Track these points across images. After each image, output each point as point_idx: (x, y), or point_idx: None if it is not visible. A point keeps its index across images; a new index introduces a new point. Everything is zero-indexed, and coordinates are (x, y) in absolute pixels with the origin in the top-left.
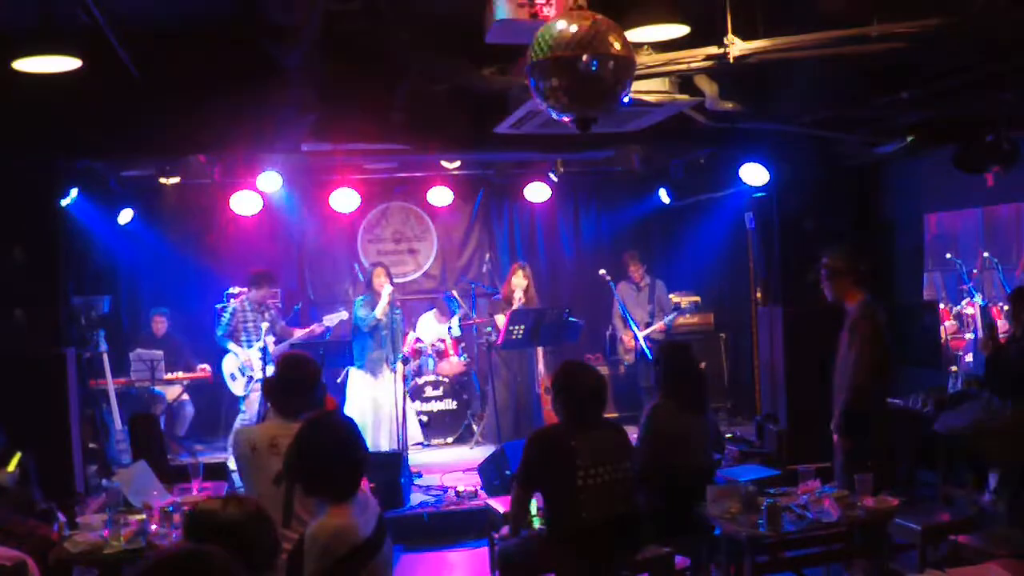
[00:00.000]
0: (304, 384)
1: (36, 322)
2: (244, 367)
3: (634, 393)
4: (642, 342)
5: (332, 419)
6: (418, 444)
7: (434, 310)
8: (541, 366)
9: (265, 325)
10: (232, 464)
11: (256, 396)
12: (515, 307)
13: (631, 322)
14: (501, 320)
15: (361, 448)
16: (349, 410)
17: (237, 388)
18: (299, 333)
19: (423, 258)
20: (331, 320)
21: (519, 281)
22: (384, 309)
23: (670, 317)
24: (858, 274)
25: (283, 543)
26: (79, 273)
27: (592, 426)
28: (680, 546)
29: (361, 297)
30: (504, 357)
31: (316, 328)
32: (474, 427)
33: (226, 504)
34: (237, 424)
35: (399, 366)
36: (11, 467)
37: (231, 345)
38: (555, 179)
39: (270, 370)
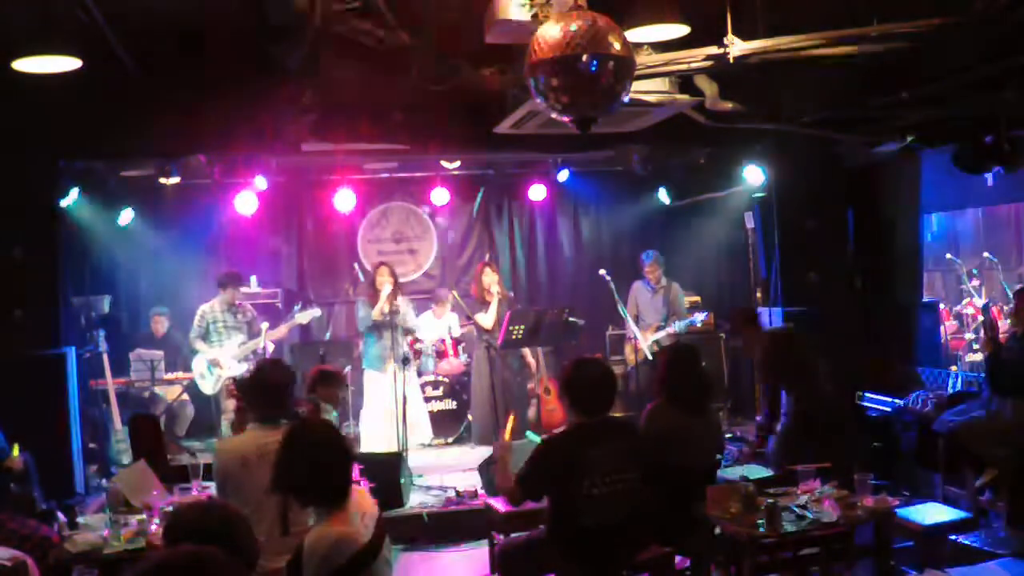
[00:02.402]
0: (284, 390)
1: (36, 322)
2: (211, 366)
3: (637, 394)
4: (643, 344)
5: (311, 427)
6: (423, 443)
7: (431, 309)
8: (530, 360)
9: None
10: None
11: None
12: (493, 304)
13: (631, 323)
14: (482, 319)
15: (345, 450)
16: (365, 409)
17: (206, 387)
18: (277, 331)
19: (423, 258)
20: (303, 318)
21: (490, 278)
22: (382, 309)
23: (684, 324)
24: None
25: (282, 550)
26: (79, 273)
27: (603, 431)
28: (680, 546)
29: (363, 297)
30: (492, 356)
31: (291, 325)
32: (474, 427)
33: (204, 509)
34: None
35: (413, 367)
36: (15, 452)
37: (199, 345)
38: (557, 180)
39: (242, 368)
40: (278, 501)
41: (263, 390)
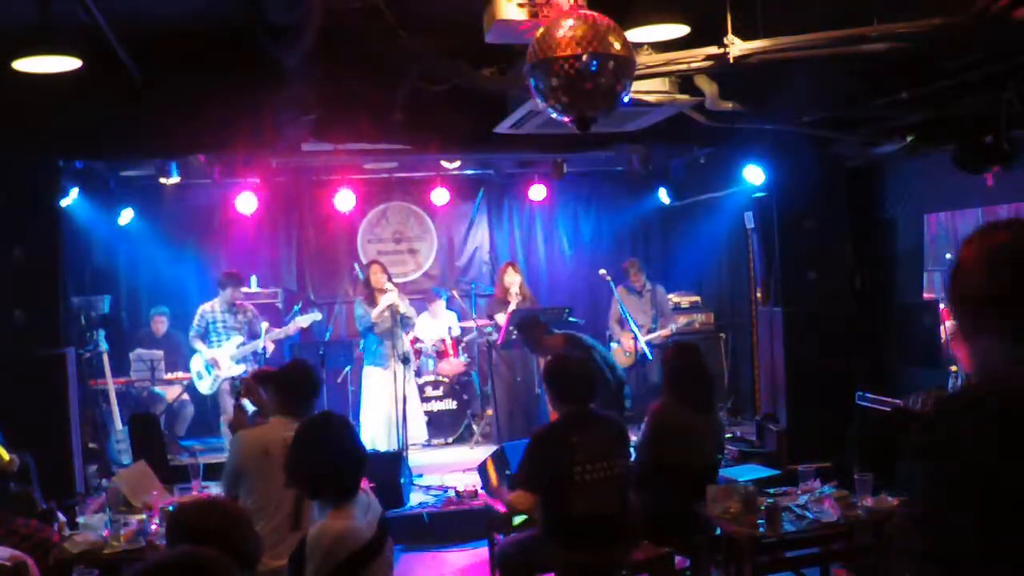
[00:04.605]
0: (316, 391)
1: (36, 322)
2: (209, 365)
3: (636, 394)
4: (643, 344)
5: (328, 421)
6: (418, 444)
7: (427, 311)
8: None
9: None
10: None
11: (227, 394)
12: (513, 304)
13: (632, 324)
14: (502, 318)
15: (359, 448)
16: (366, 407)
17: (203, 387)
18: (275, 333)
19: (423, 258)
20: (304, 321)
21: (512, 278)
22: (380, 314)
23: (679, 323)
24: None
25: (290, 546)
26: (79, 273)
27: (590, 419)
28: (680, 546)
29: (360, 297)
30: (505, 357)
31: (290, 329)
32: (474, 427)
33: (204, 508)
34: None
35: (412, 367)
36: (5, 456)
37: (198, 344)
38: (557, 180)
39: (239, 369)
40: (294, 495)
41: (299, 387)
